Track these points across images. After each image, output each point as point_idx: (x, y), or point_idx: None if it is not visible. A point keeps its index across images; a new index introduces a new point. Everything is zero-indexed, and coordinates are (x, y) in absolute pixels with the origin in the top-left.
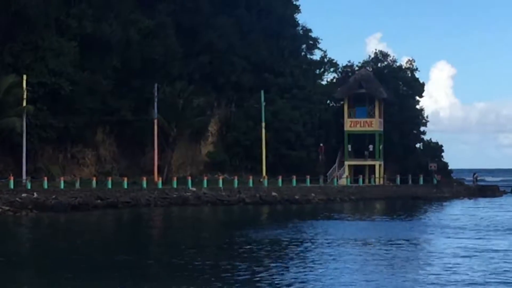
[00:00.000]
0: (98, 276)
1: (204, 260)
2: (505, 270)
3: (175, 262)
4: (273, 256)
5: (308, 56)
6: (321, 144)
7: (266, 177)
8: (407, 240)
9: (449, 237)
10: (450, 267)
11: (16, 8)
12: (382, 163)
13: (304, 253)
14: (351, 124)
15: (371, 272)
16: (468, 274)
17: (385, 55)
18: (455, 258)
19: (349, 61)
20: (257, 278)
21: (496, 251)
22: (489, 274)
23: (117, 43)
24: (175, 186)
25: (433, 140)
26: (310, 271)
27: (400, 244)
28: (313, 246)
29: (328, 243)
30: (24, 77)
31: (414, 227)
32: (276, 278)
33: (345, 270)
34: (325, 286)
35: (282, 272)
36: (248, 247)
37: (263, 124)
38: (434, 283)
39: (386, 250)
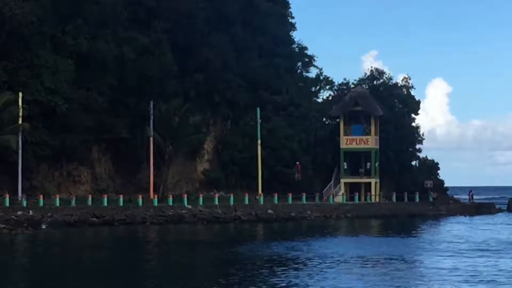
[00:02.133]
0: None
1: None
2: None
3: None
4: (269, 274)
5: (304, 73)
6: (298, 163)
7: (262, 195)
8: (402, 259)
9: (444, 257)
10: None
11: (11, 26)
12: (378, 180)
13: (300, 271)
14: (347, 142)
15: None
16: None
17: (381, 73)
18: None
19: (344, 79)
20: None
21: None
22: None
23: (113, 61)
24: (170, 203)
25: (429, 158)
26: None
27: (393, 262)
28: (308, 264)
29: (324, 261)
30: (20, 94)
31: (409, 245)
32: None
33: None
34: None
35: None
36: (244, 265)
37: (259, 142)
38: None
39: (380, 268)
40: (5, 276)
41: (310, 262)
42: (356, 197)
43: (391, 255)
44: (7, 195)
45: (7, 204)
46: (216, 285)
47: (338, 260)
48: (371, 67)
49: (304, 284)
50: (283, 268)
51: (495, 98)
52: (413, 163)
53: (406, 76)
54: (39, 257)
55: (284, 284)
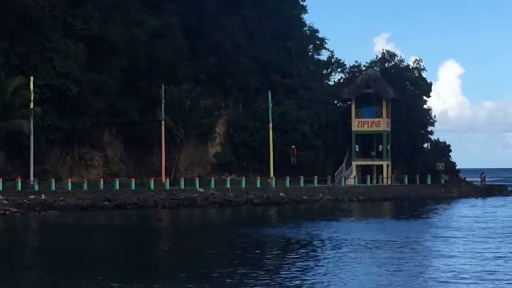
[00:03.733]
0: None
1: (216, 262)
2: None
3: (183, 263)
4: (283, 257)
5: (315, 56)
6: (293, 147)
7: (273, 178)
8: (414, 242)
9: (457, 239)
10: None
11: (22, 10)
12: (389, 163)
13: (313, 254)
14: (358, 124)
15: (381, 274)
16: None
17: (392, 55)
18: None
19: (356, 61)
20: (267, 280)
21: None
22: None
23: (124, 44)
24: (182, 187)
25: (441, 140)
26: (321, 273)
27: (406, 245)
28: (321, 247)
29: (336, 243)
30: (31, 78)
31: (422, 228)
32: (287, 279)
33: (351, 271)
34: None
35: (295, 274)
36: (258, 247)
37: (271, 125)
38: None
39: (393, 251)
40: (20, 258)
41: (324, 245)
42: (368, 179)
43: (407, 237)
44: (19, 179)
45: (19, 188)
46: (230, 268)
47: (351, 244)
48: (383, 49)
49: (321, 268)
50: (297, 251)
51: (508, 79)
52: (425, 145)
53: (418, 58)
54: (50, 240)
55: (298, 268)
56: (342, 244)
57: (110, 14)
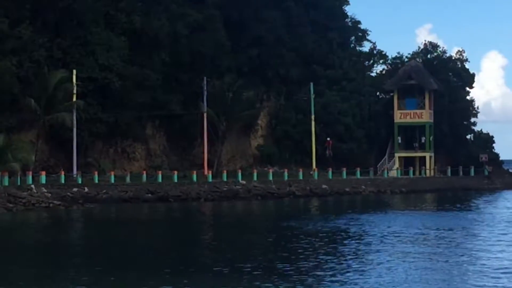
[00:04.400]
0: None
1: (260, 253)
2: None
3: (226, 255)
4: (327, 250)
5: (357, 48)
6: (328, 139)
7: (316, 170)
8: (464, 233)
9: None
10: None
11: (64, 3)
12: (432, 154)
13: (362, 245)
14: (401, 116)
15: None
16: None
17: (435, 46)
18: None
19: (398, 53)
20: (312, 273)
21: None
22: None
23: (166, 38)
24: (225, 179)
25: (484, 131)
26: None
27: (455, 238)
28: (370, 240)
29: (382, 236)
30: (74, 72)
31: (470, 220)
32: (335, 272)
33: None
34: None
35: (342, 267)
36: (304, 240)
37: (313, 117)
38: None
39: (438, 244)
40: (61, 252)
41: (371, 237)
42: (411, 171)
43: (454, 228)
44: (62, 172)
45: (63, 181)
46: (277, 259)
47: (397, 236)
48: (425, 40)
49: (368, 260)
50: (344, 242)
51: None
52: (468, 136)
53: (461, 49)
54: (92, 233)
55: (348, 258)
56: (392, 237)
57: (152, 8)
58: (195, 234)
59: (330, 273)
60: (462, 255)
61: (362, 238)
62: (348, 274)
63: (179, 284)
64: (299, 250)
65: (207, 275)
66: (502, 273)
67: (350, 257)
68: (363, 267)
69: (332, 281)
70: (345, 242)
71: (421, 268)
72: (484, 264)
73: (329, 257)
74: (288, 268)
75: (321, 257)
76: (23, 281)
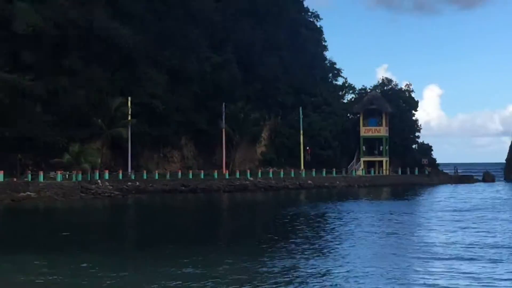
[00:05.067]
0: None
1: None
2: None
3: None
4: (314, 226)
5: (334, 82)
6: (308, 148)
7: (303, 170)
8: (409, 214)
9: (440, 214)
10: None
11: (125, 51)
12: (387, 159)
13: (336, 223)
14: (365, 131)
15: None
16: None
17: (389, 81)
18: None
19: (363, 85)
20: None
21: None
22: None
23: (196, 74)
24: (238, 176)
25: (425, 142)
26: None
27: (401, 218)
28: (341, 219)
29: (353, 217)
30: (129, 99)
31: (414, 205)
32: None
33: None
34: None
35: (318, 239)
36: (296, 219)
37: (301, 132)
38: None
39: (391, 222)
40: (125, 230)
41: (345, 217)
42: (372, 171)
43: (402, 212)
44: (120, 171)
45: (120, 177)
46: (275, 233)
47: (364, 216)
48: (383, 76)
49: (343, 234)
50: (325, 221)
51: (475, 98)
52: (413, 146)
53: (408, 83)
54: (142, 214)
55: (328, 232)
56: (360, 216)
57: (186, 53)
58: (216, 216)
59: (318, 242)
60: (406, 230)
61: (338, 218)
62: (328, 244)
63: (204, 252)
64: (291, 227)
65: (234, 244)
66: (436, 239)
67: (329, 231)
68: (338, 239)
69: (317, 249)
70: (326, 221)
71: (383, 236)
72: (425, 236)
73: (315, 232)
74: (284, 239)
75: (307, 231)
76: (93, 245)
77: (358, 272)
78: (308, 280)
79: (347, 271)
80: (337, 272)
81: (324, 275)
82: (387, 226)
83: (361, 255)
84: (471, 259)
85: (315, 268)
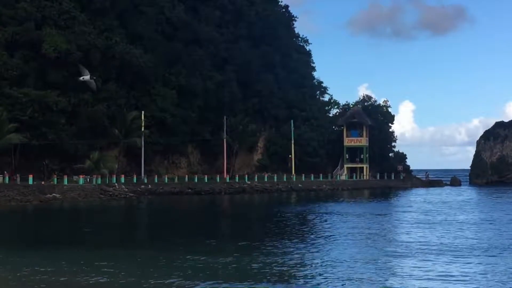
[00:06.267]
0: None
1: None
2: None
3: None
4: (303, 223)
5: (321, 98)
6: (290, 155)
7: (294, 175)
8: (384, 214)
9: (411, 213)
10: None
11: (137, 70)
12: (367, 165)
13: (322, 220)
14: (348, 141)
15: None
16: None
17: (369, 97)
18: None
19: (346, 101)
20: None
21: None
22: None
23: (200, 91)
24: (237, 180)
25: (400, 151)
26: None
27: (378, 216)
28: (327, 217)
29: (338, 215)
30: (142, 112)
31: (389, 206)
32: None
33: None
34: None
35: (305, 236)
36: (288, 217)
37: (292, 141)
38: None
39: (369, 219)
40: (141, 222)
41: (331, 215)
42: (354, 176)
43: (380, 211)
44: (135, 175)
45: (135, 181)
46: (267, 231)
47: (346, 215)
48: (364, 94)
49: (330, 230)
50: (312, 217)
51: (444, 112)
52: (390, 154)
53: (386, 99)
54: (155, 213)
55: (317, 228)
56: (344, 214)
57: (192, 72)
58: (219, 214)
59: (308, 237)
60: (383, 226)
61: (325, 216)
62: (316, 239)
63: (206, 246)
64: (283, 224)
65: (232, 240)
66: (407, 236)
67: (318, 228)
68: (326, 235)
69: (308, 243)
70: (314, 219)
71: (363, 233)
72: (401, 234)
73: (305, 228)
74: (277, 233)
75: (297, 227)
76: (111, 241)
77: (340, 261)
78: (292, 270)
79: (332, 261)
80: (321, 262)
81: (309, 265)
82: (367, 223)
83: (345, 250)
84: (440, 254)
85: (301, 259)
